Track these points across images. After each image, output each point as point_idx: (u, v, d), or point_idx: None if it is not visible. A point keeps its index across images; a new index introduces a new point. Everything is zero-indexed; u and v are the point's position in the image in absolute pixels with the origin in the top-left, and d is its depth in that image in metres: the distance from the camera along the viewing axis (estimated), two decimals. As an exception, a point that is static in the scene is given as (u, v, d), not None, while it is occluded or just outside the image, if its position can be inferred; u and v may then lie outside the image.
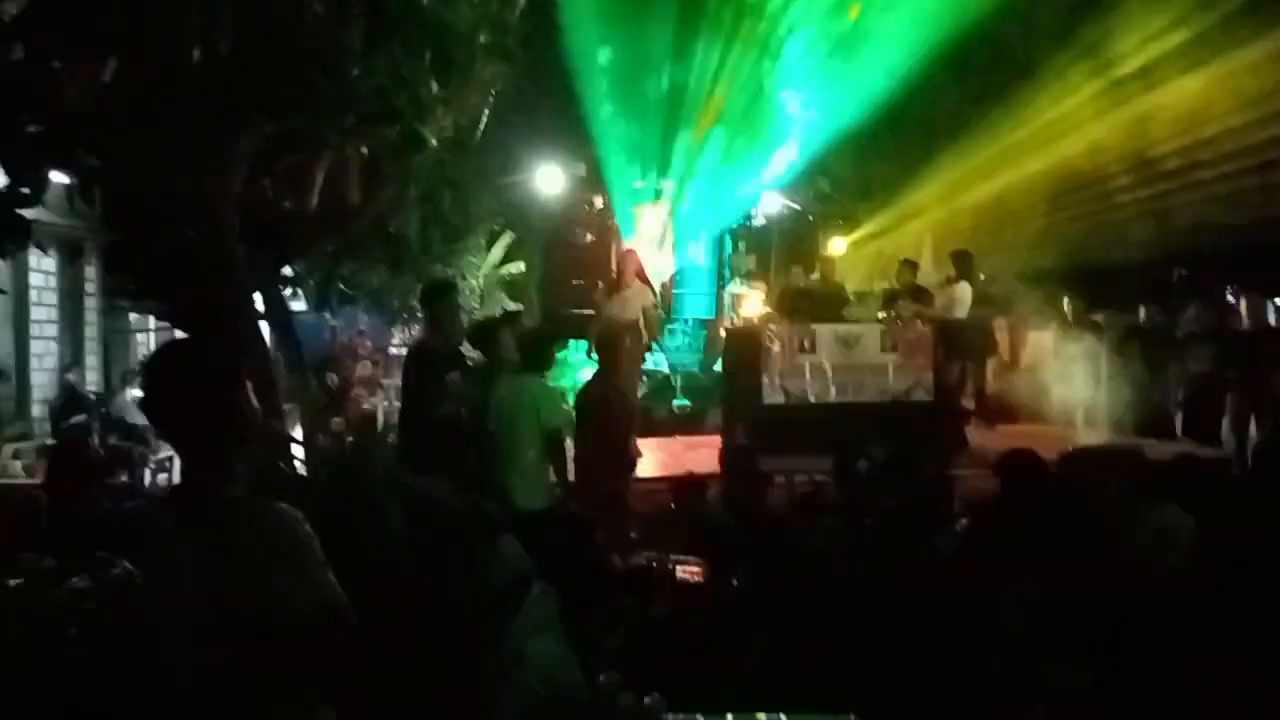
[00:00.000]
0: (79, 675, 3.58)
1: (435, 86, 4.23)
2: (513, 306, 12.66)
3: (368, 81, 3.62)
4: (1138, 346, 10.04)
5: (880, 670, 2.15)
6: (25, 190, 2.76)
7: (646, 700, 1.09)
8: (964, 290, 9.98)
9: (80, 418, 8.50)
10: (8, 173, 2.72)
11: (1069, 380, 10.76)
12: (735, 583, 2.97)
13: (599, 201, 14.06)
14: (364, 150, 5.80)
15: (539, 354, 5.90)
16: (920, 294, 10.09)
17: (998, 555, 3.70)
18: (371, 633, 2.41)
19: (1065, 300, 10.86)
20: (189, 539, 2.13)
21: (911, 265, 10.39)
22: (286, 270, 10.51)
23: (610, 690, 1.10)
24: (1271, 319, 9.63)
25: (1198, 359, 9.28)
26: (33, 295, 10.23)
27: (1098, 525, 4.37)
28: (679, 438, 10.66)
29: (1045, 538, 3.80)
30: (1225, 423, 8.66)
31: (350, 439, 10.99)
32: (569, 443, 5.84)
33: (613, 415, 6.15)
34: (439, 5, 3.93)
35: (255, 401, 2.26)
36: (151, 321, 15.12)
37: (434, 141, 4.03)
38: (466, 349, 6.22)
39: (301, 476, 5.76)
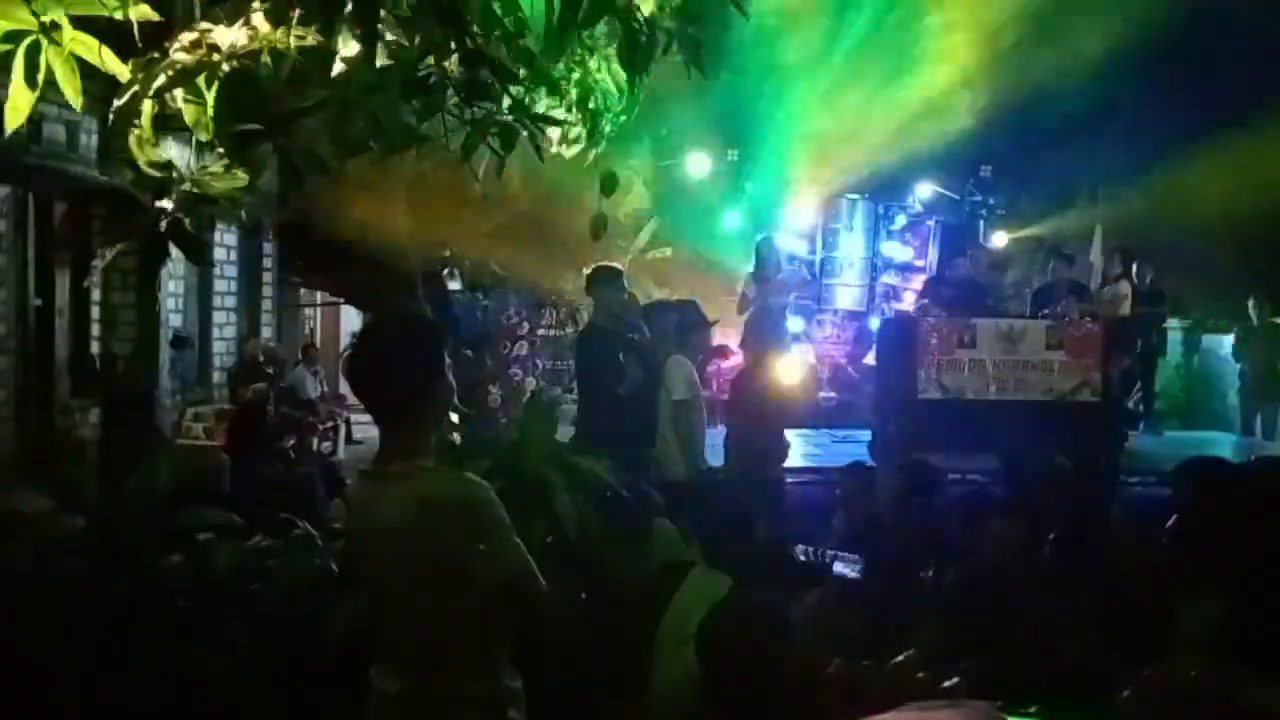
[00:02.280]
0: (262, 626, 3.81)
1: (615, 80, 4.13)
2: (659, 293, 12.68)
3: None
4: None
5: (1073, 680, 2.08)
6: (242, 173, 2.94)
7: (946, 684, 1.07)
8: (1126, 287, 9.53)
9: (261, 385, 9.06)
10: (228, 155, 2.89)
11: (1247, 386, 10.12)
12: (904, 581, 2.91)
13: (749, 187, 13.89)
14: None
15: (684, 335, 6.06)
16: (1079, 290, 9.62)
17: (1182, 568, 3.51)
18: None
19: (1250, 301, 10.18)
20: (391, 505, 2.23)
21: (1067, 259, 9.90)
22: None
23: (909, 668, 1.08)
24: None
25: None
26: (216, 268, 10.85)
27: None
28: (825, 431, 10.52)
29: (1233, 552, 3.58)
30: None
31: (514, 417, 11.26)
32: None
33: (765, 404, 6.14)
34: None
35: (453, 380, 2.35)
36: (319, 297, 15.94)
37: (607, 130, 3.98)
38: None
39: (466, 448, 5.97)
